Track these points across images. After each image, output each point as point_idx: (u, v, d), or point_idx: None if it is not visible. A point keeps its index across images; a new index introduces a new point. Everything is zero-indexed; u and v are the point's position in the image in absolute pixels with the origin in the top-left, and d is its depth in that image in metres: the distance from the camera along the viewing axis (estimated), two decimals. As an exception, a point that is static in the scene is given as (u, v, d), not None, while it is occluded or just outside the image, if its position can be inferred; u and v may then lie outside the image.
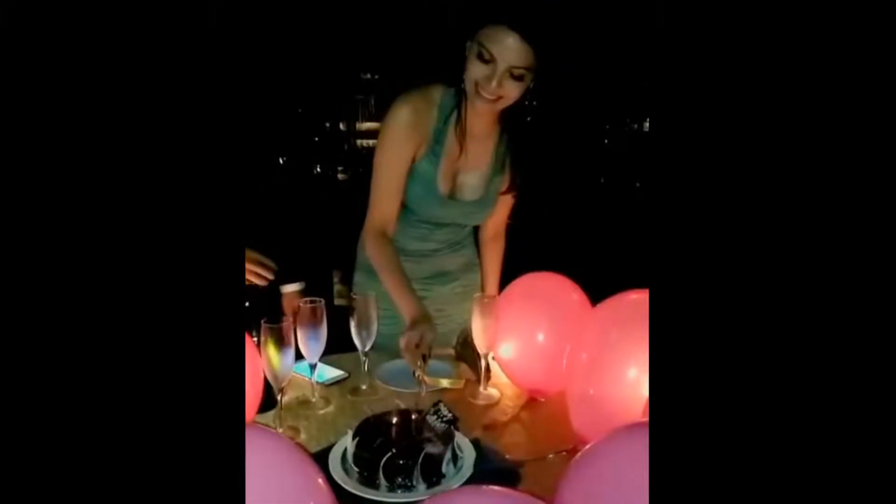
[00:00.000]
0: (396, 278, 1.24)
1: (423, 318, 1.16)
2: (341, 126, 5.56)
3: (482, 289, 1.49)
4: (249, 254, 1.20)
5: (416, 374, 1.11)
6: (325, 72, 5.12)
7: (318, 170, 5.34)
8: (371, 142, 5.36)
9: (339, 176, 5.25)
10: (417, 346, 1.10)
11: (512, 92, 1.15)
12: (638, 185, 4.60)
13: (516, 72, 1.12)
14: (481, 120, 1.26)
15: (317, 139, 5.51)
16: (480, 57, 1.12)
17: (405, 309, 1.20)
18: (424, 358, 1.10)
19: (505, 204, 1.41)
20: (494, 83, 1.12)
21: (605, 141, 5.23)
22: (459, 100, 1.24)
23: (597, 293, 1.10)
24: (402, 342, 1.12)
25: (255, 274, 1.22)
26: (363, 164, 5.25)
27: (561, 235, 3.26)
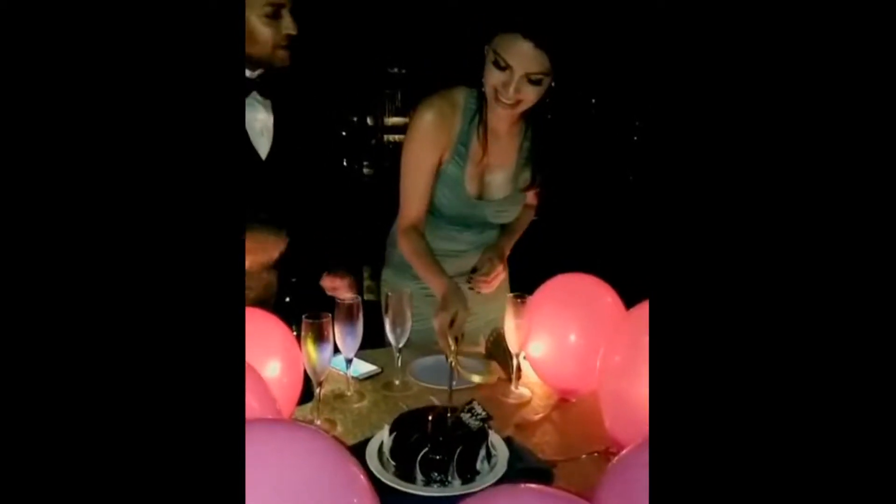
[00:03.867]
0: (425, 261, 1.28)
1: (454, 295, 1.19)
2: (368, 121, 5.60)
3: (499, 240, 1.44)
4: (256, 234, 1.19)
5: (449, 361, 1.13)
6: (352, 66, 5.15)
7: (345, 164, 5.38)
8: (398, 137, 5.38)
9: (365, 171, 5.29)
10: (451, 325, 1.13)
11: (530, 96, 1.16)
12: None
13: (533, 77, 1.13)
14: (503, 121, 1.27)
15: (344, 133, 5.55)
16: (497, 64, 1.13)
17: (436, 287, 1.24)
18: (457, 339, 1.13)
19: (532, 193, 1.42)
20: (512, 89, 1.14)
21: (634, 138, 5.16)
22: (481, 103, 1.26)
23: (631, 295, 1.10)
24: (436, 324, 1.15)
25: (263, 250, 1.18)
26: (390, 158, 5.27)
27: (592, 236, 3.24)
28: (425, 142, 1.28)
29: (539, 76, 1.13)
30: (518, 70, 1.12)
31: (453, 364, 1.13)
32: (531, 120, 1.30)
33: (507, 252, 1.40)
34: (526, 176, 1.35)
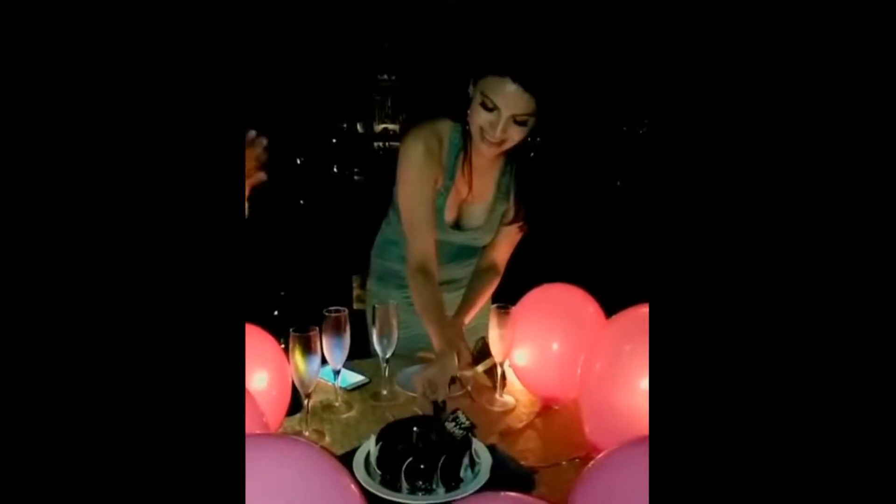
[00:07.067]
0: (432, 316, 1.26)
1: (442, 359, 1.16)
2: (358, 127, 5.63)
3: (457, 312, 1.39)
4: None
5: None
6: (342, 73, 5.18)
7: (335, 170, 5.42)
8: (388, 143, 5.41)
9: (356, 177, 5.32)
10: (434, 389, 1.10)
11: (516, 135, 1.18)
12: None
13: (520, 118, 1.15)
14: (487, 158, 1.29)
15: (334, 140, 5.58)
16: (484, 105, 1.15)
17: (434, 342, 1.24)
18: (438, 403, 1.06)
19: (509, 240, 1.42)
20: (499, 130, 1.15)
21: (623, 144, 5.22)
22: (466, 140, 1.28)
23: (611, 304, 1.13)
24: (417, 387, 1.13)
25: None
26: (379, 165, 5.31)
27: (574, 247, 3.28)
28: (420, 175, 1.28)
29: (525, 117, 1.15)
30: (505, 112, 1.14)
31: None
32: (512, 156, 1.32)
33: (466, 323, 1.35)
34: (502, 208, 1.38)
